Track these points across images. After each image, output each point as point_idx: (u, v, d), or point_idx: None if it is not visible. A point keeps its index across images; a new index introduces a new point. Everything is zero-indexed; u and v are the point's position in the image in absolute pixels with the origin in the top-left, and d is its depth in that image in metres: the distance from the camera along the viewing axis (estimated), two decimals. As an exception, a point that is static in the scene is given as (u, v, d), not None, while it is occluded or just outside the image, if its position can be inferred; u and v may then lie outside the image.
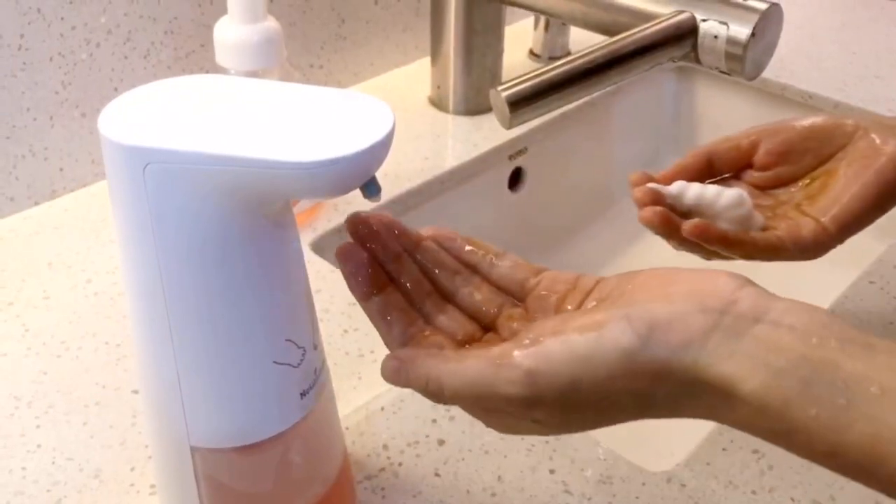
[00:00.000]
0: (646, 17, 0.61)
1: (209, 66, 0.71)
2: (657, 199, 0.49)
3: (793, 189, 0.53)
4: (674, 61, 0.61)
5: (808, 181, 0.52)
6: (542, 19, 0.90)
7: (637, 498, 0.47)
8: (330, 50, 0.82)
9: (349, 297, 0.59)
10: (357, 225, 0.39)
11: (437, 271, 0.40)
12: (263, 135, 0.33)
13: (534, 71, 0.55)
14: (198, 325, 0.35)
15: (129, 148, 0.32)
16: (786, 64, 0.88)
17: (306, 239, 0.65)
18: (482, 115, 0.82)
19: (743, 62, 0.58)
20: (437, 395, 0.36)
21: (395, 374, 0.36)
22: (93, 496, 0.47)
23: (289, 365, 0.37)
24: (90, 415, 0.51)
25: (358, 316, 0.58)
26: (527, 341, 0.34)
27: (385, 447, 0.49)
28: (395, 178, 0.72)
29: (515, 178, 0.83)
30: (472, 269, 0.40)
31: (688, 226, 0.47)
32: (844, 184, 0.49)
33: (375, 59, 0.86)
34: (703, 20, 0.59)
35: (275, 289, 0.36)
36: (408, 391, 0.52)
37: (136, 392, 0.53)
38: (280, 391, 0.38)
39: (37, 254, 0.64)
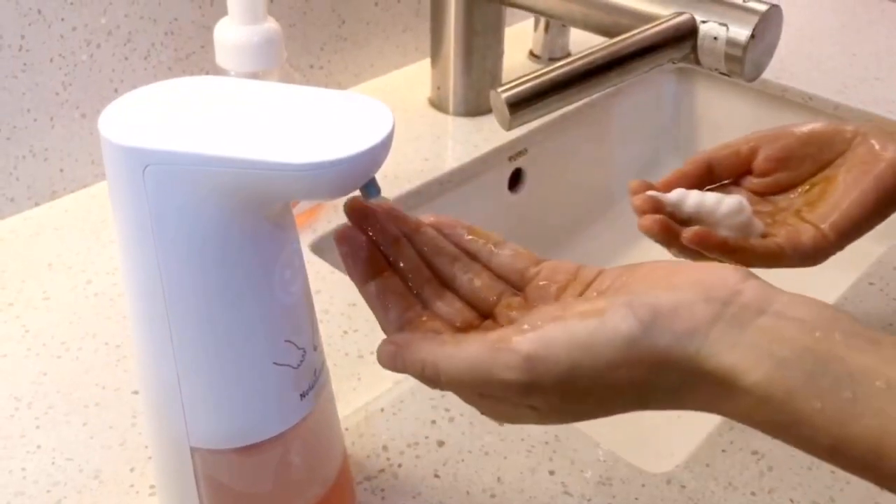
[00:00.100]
0: (646, 18, 0.61)
1: (209, 67, 0.71)
2: (657, 206, 0.49)
3: (792, 195, 0.53)
4: (674, 63, 0.61)
5: (807, 187, 0.52)
6: (542, 20, 0.90)
7: (637, 499, 0.47)
8: (330, 51, 0.82)
9: (349, 298, 0.60)
10: (356, 209, 0.38)
11: (436, 257, 0.39)
12: (263, 136, 0.33)
13: (534, 72, 0.55)
14: (198, 325, 0.35)
15: (130, 149, 0.32)
16: (786, 65, 0.88)
17: (306, 240, 0.65)
18: (482, 116, 0.82)
19: (743, 64, 0.58)
20: (434, 380, 0.35)
21: (392, 358, 0.36)
22: (93, 497, 0.47)
23: (288, 366, 0.37)
24: (90, 415, 0.51)
25: (358, 317, 0.58)
26: (526, 326, 0.33)
27: (385, 448, 0.49)
28: (394, 179, 0.72)
29: (515, 180, 0.83)
30: (472, 256, 0.40)
31: (688, 233, 0.47)
32: (844, 190, 0.49)
33: (375, 61, 0.86)
34: (703, 22, 0.59)
35: (275, 290, 0.36)
36: (407, 392, 0.52)
37: (135, 393, 0.53)
38: (280, 392, 0.38)
39: (37, 254, 0.64)
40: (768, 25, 0.58)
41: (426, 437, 0.50)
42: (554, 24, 0.90)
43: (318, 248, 0.65)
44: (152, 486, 0.47)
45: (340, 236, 0.38)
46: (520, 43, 0.93)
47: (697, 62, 0.60)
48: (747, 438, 0.50)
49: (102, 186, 0.70)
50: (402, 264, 0.39)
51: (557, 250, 0.89)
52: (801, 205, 0.51)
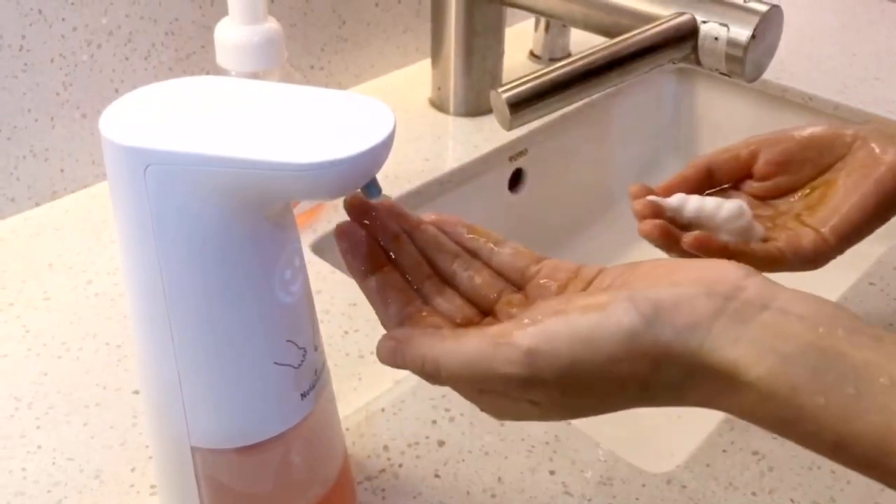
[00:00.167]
0: (646, 18, 0.61)
1: (210, 67, 0.71)
2: (657, 211, 0.49)
3: (792, 199, 0.53)
4: (674, 63, 0.61)
5: (807, 191, 0.52)
6: (543, 21, 0.90)
7: (637, 499, 0.47)
8: (330, 51, 0.82)
9: (350, 298, 0.60)
10: (356, 205, 0.38)
11: (436, 254, 0.39)
12: (264, 136, 0.33)
13: (534, 72, 0.55)
14: (198, 325, 0.35)
15: (131, 149, 0.32)
16: (786, 66, 0.88)
17: (306, 240, 0.65)
18: (482, 116, 0.82)
19: (743, 64, 0.58)
20: (434, 375, 0.35)
21: (391, 354, 0.36)
22: (93, 497, 0.47)
23: (289, 366, 0.37)
24: (90, 415, 0.51)
25: (358, 317, 0.58)
26: (527, 321, 0.33)
27: (385, 448, 0.49)
28: (395, 179, 0.72)
29: (516, 180, 0.83)
30: (473, 254, 0.40)
31: (688, 238, 0.47)
32: (844, 194, 0.49)
33: (376, 61, 0.86)
34: (704, 22, 0.59)
35: (275, 290, 0.36)
36: (408, 392, 0.52)
37: (136, 393, 0.53)
38: (281, 392, 0.38)
39: (37, 255, 0.64)
40: (769, 26, 0.58)
41: (427, 437, 0.50)
42: (554, 24, 0.90)
43: (318, 249, 0.65)
44: (153, 486, 0.47)
45: (340, 232, 0.38)
46: (520, 43, 0.93)
47: (698, 62, 0.60)
48: (748, 438, 0.50)
49: (103, 187, 0.71)
50: (402, 260, 0.39)
51: (558, 250, 0.89)
52: (802, 209, 0.51)
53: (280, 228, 0.36)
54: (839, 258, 0.51)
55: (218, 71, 0.62)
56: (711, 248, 0.47)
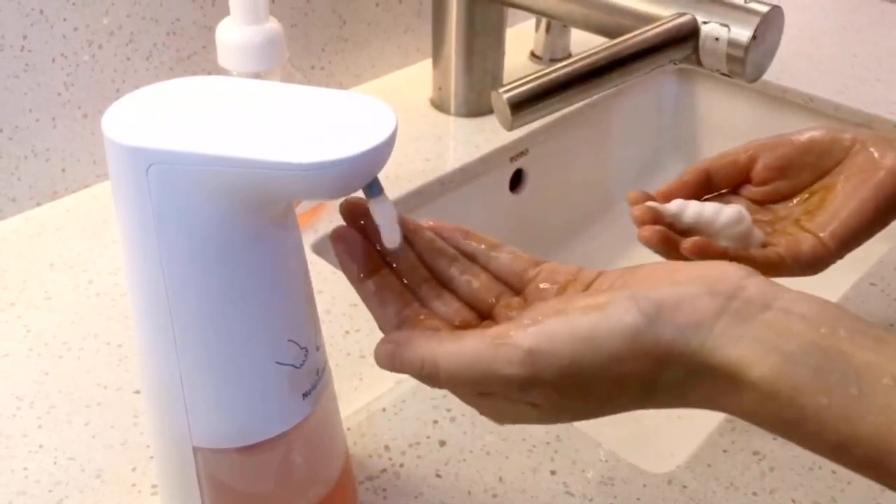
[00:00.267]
0: (647, 19, 0.61)
1: (211, 67, 0.71)
2: (656, 217, 0.49)
3: (791, 204, 0.52)
4: (675, 63, 0.61)
5: (806, 196, 0.52)
6: (544, 21, 0.90)
7: (638, 499, 0.47)
8: (331, 52, 0.82)
9: (351, 298, 0.60)
10: (351, 209, 0.38)
11: (434, 259, 0.39)
12: (266, 136, 0.33)
13: (535, 73, 0.55)
14: (200, 325, 0.35)
15: (133, 149, 0.32)
16: (786, 66, 0.88)
17: (308, 240, 0.65)
18: (483, 116, 0.82)
19: (744, 64, 0.58)
20: (433, 377, 0.34)
21: (390, 357, 0.35)
22: (94, 496, 0.47)
23: (291, 366, 0.37)
24: (92, 415, 0.51)
25: (359, 317, 0.58)
26: (527, 321, 0.33)
27: (386, 448, 0.49)
28: (395, 179, 0.72)
29: (516, 180, 0.83)
30: (471, 258, 0.40)
31: (687, 244, 0.47)
32: (843, 199, 0.49)
33: (377, 61, 0.86)
34: (705, 22, 0.59)
35: (277, 290, 0.36)
36: (409, 392, 0.52)
37: (137, 392, 0.53)
38: (282, 392, 0.38)
39: (38, 254, 0.64)
40: (769, 26, 0.58)
41: (428, 437, 0.50)
42: (555, 24, 0.90)
43: (319, 249, 0.65)
44: (154, 486, 0.47)
45: (337, 236, 0.38)
46: (521, 43, 0.93)
47: (699, 63, 0.60)
48: (749, 439, 0.50)
49: (104, 186, 0.71)
50: (399, 264, 0.38)
51: (558, 250, 0.89)
52: (801, 213, 0.51)
53: (282, 228, 0.36)
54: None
55: (219, 71, 0.62)
56: (711, 254, 0.47)
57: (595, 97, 0.63)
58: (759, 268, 0.48)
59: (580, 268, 0.38)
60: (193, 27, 0.71)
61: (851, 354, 0.30)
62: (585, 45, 0.58)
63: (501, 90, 0.53)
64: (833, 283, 0.63)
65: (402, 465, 0.48)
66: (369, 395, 0.53)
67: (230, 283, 0.35)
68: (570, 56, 0.67)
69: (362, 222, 0.38)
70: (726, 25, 0.58)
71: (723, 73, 0.60)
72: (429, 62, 0.84)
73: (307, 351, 0.38)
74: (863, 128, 0.54)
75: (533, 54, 0.93)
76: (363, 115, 0.34)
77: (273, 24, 0.61)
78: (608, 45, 0.57)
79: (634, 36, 0.58)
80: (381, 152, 0.33)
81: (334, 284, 0.61)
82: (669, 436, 0.59)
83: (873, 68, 0.90)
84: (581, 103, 0.66)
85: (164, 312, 0.35)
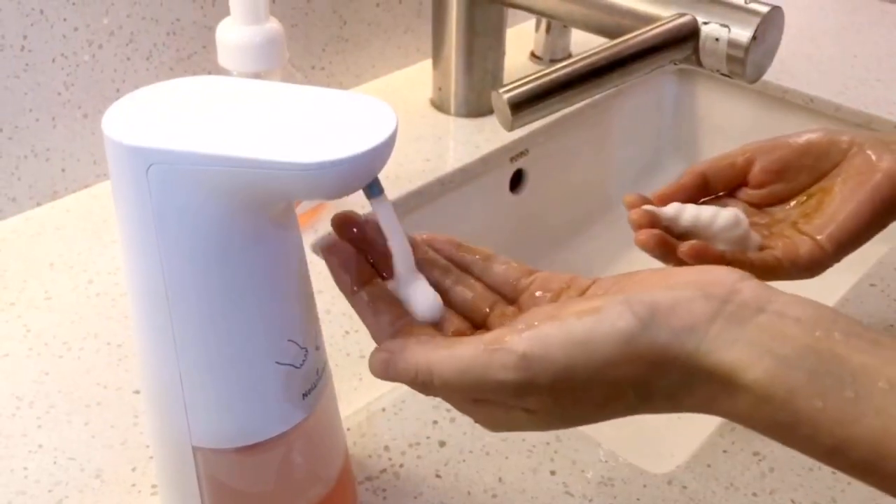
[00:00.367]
0: (647, 19, 0.61)
1: (211, 67, 0.71)
2: (653, 221, 0.49)
3: (788, 207, 0.52)
4: (675, 64, 0.61)
5: (803, 198, 0.52)
6: (544, 21, 0.90)
7: (638, 500, 0.47)
8: (331, 52, 0.82)
9: (351, 298, 0.59)
10: (343, 223, 0.38)
11: (427, 269, 0.39)
12: (266, 136, 0.33)
13: (535, 73, 0.55)
14: (200, 325, 0.35)
15: (133, 149, 0.32)
16: (786, 67, 0.88)
17: (308, 240, 0.65)
18: (483, 117, 0.82)
19: (744, 65, 0.58)
20: (427, 384, 0.34)
21: (384, 365, 0.35)
22: (94, 496, 0.47)
23: (291, 365, 0.37)
24: (91, 415, 0.51)
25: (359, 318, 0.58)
26: (521, 326, 0.33)
27: (386, 448, 0.49)
28: (395, 179, 0.72)
29: (516, 180, 0.83)
30: (464, 269, 0.40)
31: (685, 248, 0.47)
32: (840, 201, 0.49)
33: (377, 61, 0.86)
34: (705, 23, 0.59)
35: (277, 289, 0.36)
36: (409, 392, 0.52)
37: (137, 392, 0.53)
38: (282, 392, 0.38)
39: (38, 254, 0.64)
40: (770, 27, 0.58)
41: (427, 438, 0.50)
42: (555, 25, 0.90)
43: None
44: (154, 486, 0.47)
45: (328, 248, 0.38)
46: (521, 44, 0.93)
47: (699, 63, 0.60)
48: (749, 439, 0.50)
49: (104, 186, 0.71)
50: (391, 275, 0.38)
51: (558, 251, 0.89)
52: (798, 216, 0.51)
53: (282, 228, 0.36)
54: (840, 259, 0.51)
55: (219, 71, 0.62)
56: (708, 258, 0.47)
57: (595, 97, 0.63)
58: (757, 271, 0.48)
59: (574, 276, 0.38)
60: (193, 27, 0.71)
61: (847, 357, 0.30)
62: (585, 45, 0.58)
63: (501, 90, 0.53)
64: (833, 283, 0.63)
65: (401, 466, 0.48)
66: (369, 396, 0.53)
67: (230, 283, 0.35)
68: (570, 56, 0.67)
69: (354, 230, 0.38)
70: (726, 26, 0.58)
71: (723, 74, 0.60)
72: (429, 62, 0.84)
73: (307, 351, 0.38)
74: (860, 130, 0.54)
75: (533, 54, 0.93)
76: (363, 115, 0.34)
77: (273, 24, 0.61)
78: (608, 45, 0.57)
79: (634, 36, 0.58)
80: (381, 152, 0.33)
81: (334, 284, 0.61)
82: (669, 436, 0.59)
83: (873, 69, 0.90)
84: (581, 103, 0.66)
85: (163, 312, 0.35)
